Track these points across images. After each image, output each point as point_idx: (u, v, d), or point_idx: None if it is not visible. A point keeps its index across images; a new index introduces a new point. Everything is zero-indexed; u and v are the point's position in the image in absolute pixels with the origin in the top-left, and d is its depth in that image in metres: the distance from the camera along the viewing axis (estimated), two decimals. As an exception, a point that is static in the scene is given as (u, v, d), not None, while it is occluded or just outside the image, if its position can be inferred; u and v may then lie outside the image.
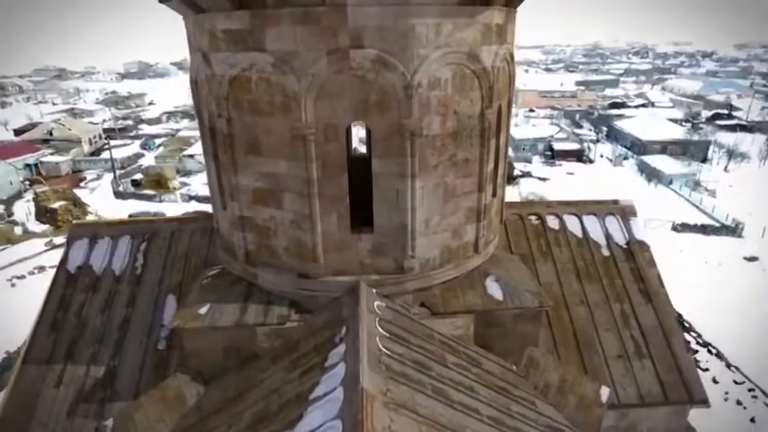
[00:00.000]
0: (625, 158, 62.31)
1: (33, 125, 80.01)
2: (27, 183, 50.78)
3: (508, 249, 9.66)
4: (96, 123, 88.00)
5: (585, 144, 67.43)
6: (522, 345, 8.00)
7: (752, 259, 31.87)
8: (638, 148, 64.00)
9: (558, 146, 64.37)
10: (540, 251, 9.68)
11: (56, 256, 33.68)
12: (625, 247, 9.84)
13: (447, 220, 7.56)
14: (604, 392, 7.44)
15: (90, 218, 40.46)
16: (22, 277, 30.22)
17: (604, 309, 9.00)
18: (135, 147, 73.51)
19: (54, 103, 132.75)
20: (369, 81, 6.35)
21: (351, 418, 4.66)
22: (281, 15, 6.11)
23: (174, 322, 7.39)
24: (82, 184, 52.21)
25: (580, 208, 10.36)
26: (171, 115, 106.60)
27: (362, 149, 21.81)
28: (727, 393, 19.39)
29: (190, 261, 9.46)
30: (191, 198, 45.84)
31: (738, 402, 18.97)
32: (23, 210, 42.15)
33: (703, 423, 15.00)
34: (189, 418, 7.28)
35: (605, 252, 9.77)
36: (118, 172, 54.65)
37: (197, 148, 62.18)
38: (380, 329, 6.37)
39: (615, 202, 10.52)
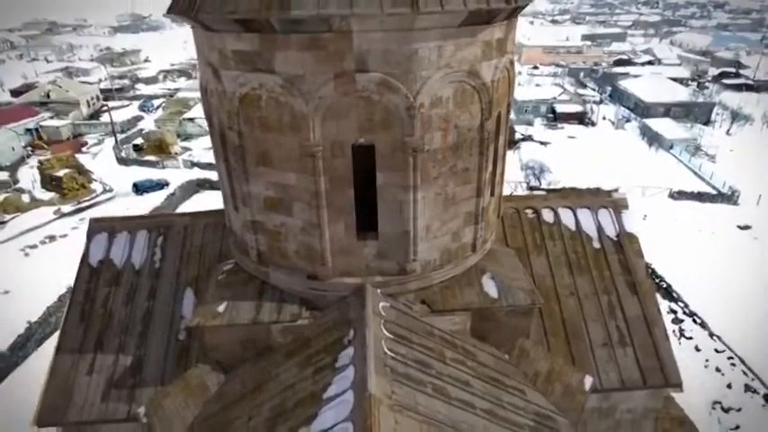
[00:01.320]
0: (627, 121, 61.71)
1: (29, 86, 78.87)
2: (29, 148, 50.76)
3: (504, 242, 10.17)
4: (93, 83, 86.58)
5: (588, 105, 66.60)
6: (514, 336, 8.67)
7: (745, 228, 32.41)
8: (642, 110, 63.28)
9: (560, 108, 63.59)
10: (534, 244, 10.19)
11: (64, 225, 34.37)
12: (615, 239, 10.33)
13: (447, 225, 8.02)
14: (588, 381, 8.17)
15: (94, 185, 40.85)
16: (34, 246, 30.97)
17: (593, 300, 9.61)
18: (133, 109, 72.73)
19: (48, 60, 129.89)
20: (373, 102, 6.64)
21: (360, 421, 5.32)
22: (290, 40, 6.32)
23: (195, 320, 8.01)
24: (84, 150, 52.19)
25: (575, 201, 10.77)
26: (168, 74, 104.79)
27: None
28: (707, 361, 20.53)
29: (205, 255, 10.00)
30: (193, 165, 45.95)
31: (717, 369, 20.13)
32: (28, 177, 42.46)
33: (684, 388, 16.02)
34: (212, 405, 8.05)
35: (596, 245, 10.28)
36: (118, 136, 54.45)
37: (196, 111, 61.57)
38: (385, 332, 6.98)
39: (608, 195, 10.93)
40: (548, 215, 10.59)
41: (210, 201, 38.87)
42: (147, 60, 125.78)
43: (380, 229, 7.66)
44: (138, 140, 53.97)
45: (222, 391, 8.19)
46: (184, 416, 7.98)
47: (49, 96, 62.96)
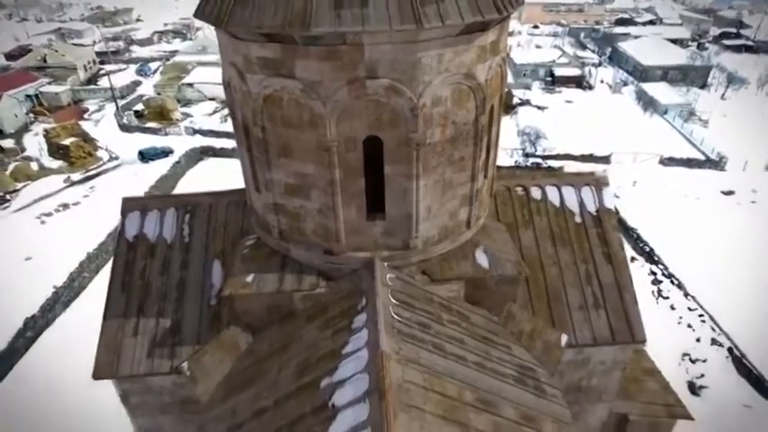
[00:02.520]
0: (625, 85, 61.70)
1: (23, 49, 77.58)
2: (31, 115, 50.78)
3: (496, 218, 11.25)
4: (87, 45, 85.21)
5: (587, 68, 66.29)
6: (502, 301, 9.93)
7: (728, 193, 33.53)
8: (640, 73, 63.13)
9: (558, 71, 63.33)
10: (523, 219, 11.28)
11: (76, 194, 35.25)
12: (595, 214, 11.41)
13: (445, 206, 9.08)
14: (563, 339, 9.50)
15: (100, 153, 41.34)
16: (50, 214, 31.98)
17: (572, 269, 10.80)
18: (131, 73, 71.97)
19: (38, 20, 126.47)
20: (382, 104, 7.55)
21: (375, 372, 6.57)
22: (309, 51, 7.16)
23: (227, 290, 9.20)
24: (86, 116, 52.24)
25: (560, 179, 11.78)
26: (162, 35, 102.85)
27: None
28: (681, 318, 22.21)
29: (228, 230, 11.08)
30: (195, 132, 46.27)
31: (689, 326, 21.85)
32: (34, 144, 42.89)
33: (657, 342, 17.63)
34: (244, 360, 9.38)
35: (578, 219, 11.37)
36: (118, 102, 54.34)
37: (195, 76, 61.15)
38: (392, 299, 8.19)
39: (591, 173, 11.94)
40: (536, 192, 11.62)
41: (215, 168, 39.67)
42: (139, 20, 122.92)
43: (387, 212, 8.73)
44: (139, 106, 53.94)
45: (252, 349, 9.51)
46: (221, 369, 9.34)
47: (45, 61, 62.20)
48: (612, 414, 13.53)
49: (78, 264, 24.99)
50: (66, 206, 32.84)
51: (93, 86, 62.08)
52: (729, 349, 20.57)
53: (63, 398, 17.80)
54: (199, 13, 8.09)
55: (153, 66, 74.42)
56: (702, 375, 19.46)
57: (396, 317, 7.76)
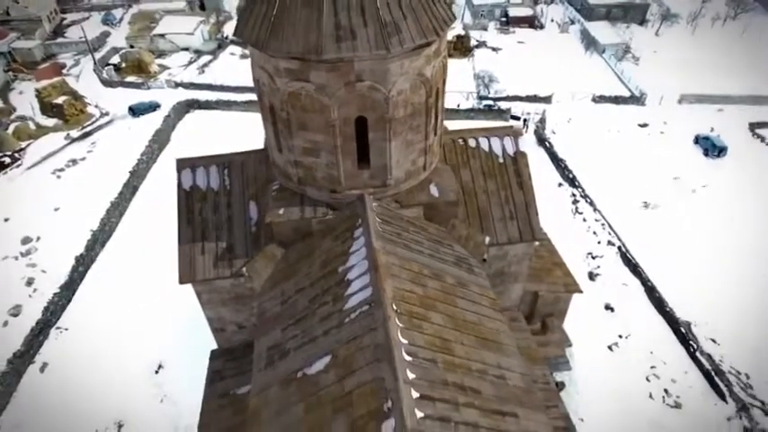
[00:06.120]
0: (572, 23, 64.48)
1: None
2: (10, 73, 50.15)
3: (444, 161, 15.56)
4: (43, -8, 79.93)
5: (539, 7, 68.36)
6: (448, 218, 14.48)
7: (643, 125, 38.64)
8: (586, 11, 65.79)
9: (513, 12, 65.29)
10: (462, 161, 15.63)
11: (79, 150, 37.24)
12: (513, 156, 15.87)
13: (408, 158, 13.29)
14: (486, 239, 14.28)
15: (91, 110, 42.48)
16: (62, 170, 34.23)
17: (496, 194, 15.39)
18: (96, 22, 69.29)
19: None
20: (366, 97, 11.45)
21: (371, 259, 11.06)
22: (319, 66, 10.89)
23: (268, 219, 13.39)
24: (65, 72, 51.90)
25: (490, 132, 16.06)
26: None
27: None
28: (589, 227, 27.95)
29: (257, 179, 15.01)
30: (177, 85, 47.35)
31: (594, 233, 27.65)
32: (22, 103, 43.31)
33: (569, 245, 23.07)
34: (281, 264, 13.81)
35: (501, 160, 15.80)
36: (95, 56, 53.80)
37: (164, 26, 60.27)
38: (377, 219, 12.59)
39: (511, 126, 16.22)
40: (472, 142, 15.89)
41: (202, 120, 41.78)
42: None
43: (371, 163, 12.88)
44: (115, 59, 53.69)
45: (286, 257, 13.91)
46: (267, 271, 13.74)
47: (9, 14, 59.57)
48: (527, 292, 19.06)
49: (105, 211, 28.16)
50: (74, 162, 35.01)
51: (63, 40, 60.37)
52: (619, 247, 26.55)
53: (120, 310, 22.20)
54: (238, 35, 11.55)
55: (117, 14, 71.61)
56: (599, 267, 25.42)
57: (380, 229, 12.21)
